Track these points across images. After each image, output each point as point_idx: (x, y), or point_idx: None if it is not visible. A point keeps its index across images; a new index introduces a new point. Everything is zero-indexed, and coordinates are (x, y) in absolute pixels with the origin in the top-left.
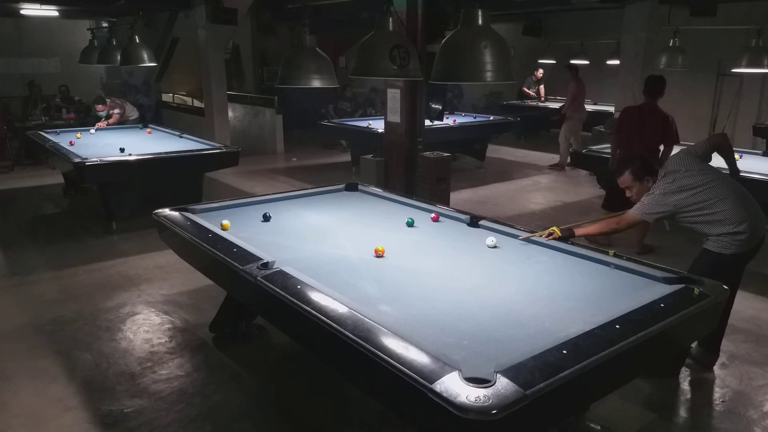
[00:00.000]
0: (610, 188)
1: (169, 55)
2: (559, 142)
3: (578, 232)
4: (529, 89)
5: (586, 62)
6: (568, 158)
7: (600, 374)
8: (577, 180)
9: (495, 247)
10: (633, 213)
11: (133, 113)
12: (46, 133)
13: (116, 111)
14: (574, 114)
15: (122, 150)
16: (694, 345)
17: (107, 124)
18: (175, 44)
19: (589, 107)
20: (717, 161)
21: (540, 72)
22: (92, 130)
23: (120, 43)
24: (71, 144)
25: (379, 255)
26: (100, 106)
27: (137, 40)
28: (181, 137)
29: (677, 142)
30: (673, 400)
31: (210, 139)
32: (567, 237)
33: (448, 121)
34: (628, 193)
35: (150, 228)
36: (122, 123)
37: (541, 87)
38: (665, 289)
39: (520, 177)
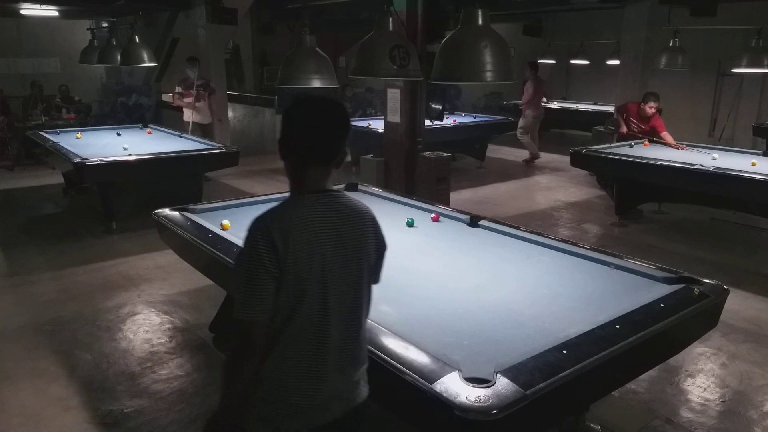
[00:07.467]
0: (614, 191)
1: (169, 55)
2: (519, 138)
3: None
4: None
5: (586, 62)
6: (536, 149)
7: (600, 374)
8: (577, 180)
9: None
10: None
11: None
12: (46, 133)
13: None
14: (531, 112)
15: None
16: None
17: (196, 102)
18: (175, 44)
19: (589, 107)
20: (720, 160)
21: None
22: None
23: (120, 43)
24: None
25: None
26: (191, 64)
27: (137, 40)
28: (181, 137)
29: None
30: (673, 400)
31: (210, 139)
32: None
33: (448, 121)
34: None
35: (150, 228)
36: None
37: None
38: (665, 289)
39: (520, 177)
